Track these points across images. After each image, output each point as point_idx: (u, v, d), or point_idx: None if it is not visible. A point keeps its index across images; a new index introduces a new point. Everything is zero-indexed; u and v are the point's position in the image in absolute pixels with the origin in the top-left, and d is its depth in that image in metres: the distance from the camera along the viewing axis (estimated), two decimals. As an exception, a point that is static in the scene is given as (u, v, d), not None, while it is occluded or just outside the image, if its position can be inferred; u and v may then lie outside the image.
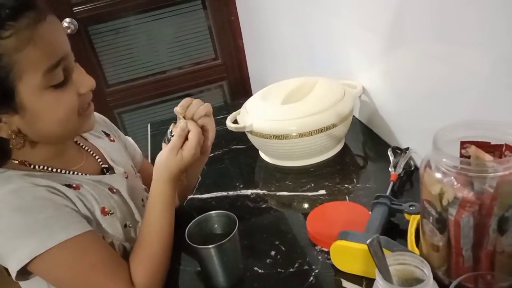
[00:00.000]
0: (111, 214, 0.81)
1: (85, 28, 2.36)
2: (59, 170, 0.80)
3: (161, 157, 0.83)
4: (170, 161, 0.81)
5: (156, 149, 1.39)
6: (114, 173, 0.89)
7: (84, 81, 0.74)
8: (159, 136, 1.48)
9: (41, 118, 0.71)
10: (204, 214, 0.81)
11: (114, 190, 0.85)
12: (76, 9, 2.29)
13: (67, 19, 2.25)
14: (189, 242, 0.74)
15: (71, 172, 0.82)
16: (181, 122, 0.84)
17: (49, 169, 0.79)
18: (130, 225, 0.86)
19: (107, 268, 0.74)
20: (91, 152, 0.90)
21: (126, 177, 0.91)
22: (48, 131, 0.74)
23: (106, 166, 0.89)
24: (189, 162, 0.83)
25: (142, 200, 0.93)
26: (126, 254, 0.81)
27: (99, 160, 0.90)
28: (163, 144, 0.86)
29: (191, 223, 0.78)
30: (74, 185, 0.78)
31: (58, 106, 0.71)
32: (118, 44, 2.49)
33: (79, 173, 0.82)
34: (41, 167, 0.79)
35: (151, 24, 2.51)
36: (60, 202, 0.73)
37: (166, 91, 2.68)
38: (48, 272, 0.73)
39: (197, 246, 0.73)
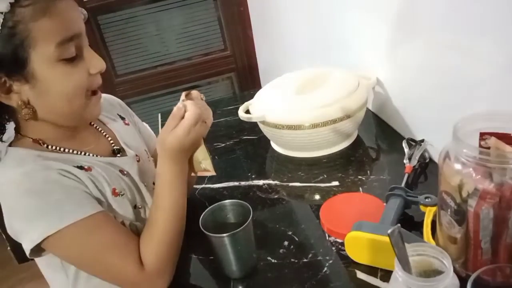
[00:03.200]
0: (121, 195, 0.83)
1: (95, 18, 2.36)
2: (71, 151, 0.82)
3: (157, 138, 0.83)
4: (164, 139, 0.79)
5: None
6: (126, 155, 0.90)
7: (94, 62, 0.76)
8: (170, 126, 1.48)
9: (50, 90, 0.72)
10: (218, 203, 0.80)
11: (125, 172, 0.86)
12: (86, -2, 2.29)
13: (77, 8, 2.24)
14: (203, 230, 0.74)
15: (83, 153, 0.83)
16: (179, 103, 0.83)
17: (61, 149, 0.81)
18: (140, 206, 0.87)
19: (118, 248, 0.75)
20: (105, 134, 0.92)
21: (138, 160, 0.92)
22: (55, 106, 0.75)
23: (118, 148, 0.91)
24: (186, 141, 0.78)
25: (154, 183, 0.93)
26: (137, 234, 0.82)
27: (111, 142, 0.91)
28: None
29: (205, 211, 0.78)
30: (86, 167, 0.80)
31: (67, 80, 0.73)
32: (128, 34, 2.49)
33: (91, 154, 0.84)
34: (54, 147, 0.80)
35: (161, 15, 2.50)
36: (71, 184, 0.75)
37: (174, 82, 2.68)
38: (60, 251, 0.76)
39: (211, 234, 0.73)
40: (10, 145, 0.80)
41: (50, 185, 0.73)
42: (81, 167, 0.79)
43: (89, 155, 0.84)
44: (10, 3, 0.65)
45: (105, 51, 2.47)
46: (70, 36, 0.71)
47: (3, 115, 0.81)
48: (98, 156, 0.85)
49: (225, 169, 1.14)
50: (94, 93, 0.80)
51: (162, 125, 1.50)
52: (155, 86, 2.65)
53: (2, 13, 0.66)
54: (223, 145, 1.26)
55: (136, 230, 0.83)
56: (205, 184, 1.08)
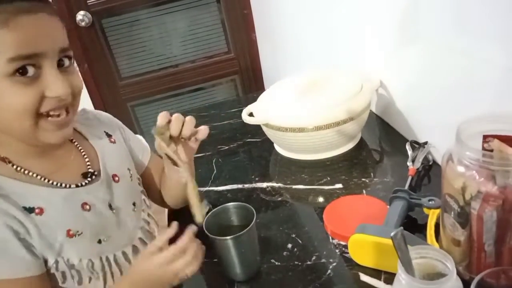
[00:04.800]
0: (78, 235, 0.77)
1: (99, 21, 2.36)
2: (35, 175, 0.77)
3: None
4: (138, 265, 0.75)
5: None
6: (98, 180, 0.84)
7: (55, 86, 0.69)
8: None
9: None
10: (221, 206, 0.81)
11: (88, 206, 0.80)
12: (90, 2, 2.30)
13: (81, 12, 2.26)
14: (207, 233, 0.74)
15: (47, 180, 0.77)
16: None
17: (26, 171, 0.76)
18: (105, 239, 0.81)
19: None
20: (83, 153, 0.86)
21: (117, 181, 0.87)
22: (5, 122, 0.70)
23: (92, 171, 0.85)
24: (155, 273, 0.72)
25: (134, 204, 0.90)
26: (93, 270, 0.79)
27: (88, 163, 0.86)
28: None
29: (208, 214, 0.78)
30: (37, 210, 0.74)
31: (14, 97, 0.67)
32: (132, 37, 2.49)
33: (53, 183, 0.78)
34: (19, 168, 0.75)
35: (164, 18, 2.51)
36: (5, 237, 0.70)
37: (178, 85, 2.68)
38: None
39: (214, 237, 0.73)
40: None
41: None
42: (31, 210, 0.73)
43: (53, 183, 0.78)
44: None
45: (110, 54, 2.47)
46: (27, 54, 0.65)
47: None
48: (63, 187, 0.79)
49: (229, 171, 1.14)
50: (52, 116, 0.72)
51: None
52: (159, 88, 2.66)
53: None
54: (227, 147, 1.26)
55: (92, 267, 0.79)
56: (209, 186, 1.08)
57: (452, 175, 0.62)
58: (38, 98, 0.68)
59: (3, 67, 0.64)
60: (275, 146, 1.20)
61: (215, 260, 0.82)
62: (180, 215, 1.01)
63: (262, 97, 1.19)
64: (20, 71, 0.65)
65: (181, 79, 2.67)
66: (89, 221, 0.79)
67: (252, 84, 2.80)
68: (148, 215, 0.93)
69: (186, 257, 0.71)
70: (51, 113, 0.71)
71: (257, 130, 1.22)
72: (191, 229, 0.72)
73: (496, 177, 0.58)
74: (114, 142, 0.94)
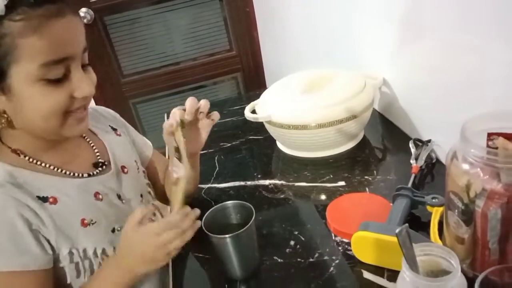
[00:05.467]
0: (92, 223, 0.79)
1: (101, 18, 2.36)
2: (49, 166, 0.78)
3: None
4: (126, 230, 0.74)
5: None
6: (108, 171, 0.86)
7: (82, 86, 0.71)
8: (176, 126, 1.48)
9: (25, 106, 0.69)
10: (220, 204, 0.80)
11: (100, 196, 0.82)
12: (92, -1, 2.30)
13: (83, 9, 2.25)
14: (206, 231, 0.74)
15: (60, 170, 0.79)
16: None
17: (40, 163, 0.77)
18: (119, 228, 0.82)
19: None
20: (93, 145, 0.89)
21: (126, 172, 0.89)
22: (30, 122, 0.72)
23: (102, 161, 0.87)
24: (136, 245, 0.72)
25: (141, 196, 0.91)
26: (105, 259, 0.80)
27: (97, 154, 0.88)
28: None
29: (207, 212, 0.78)
30: (51, 199, 0.75)
31: (44, 100, 0.69)
32: (134, 34, 2.49)
33: (66, 172, 0.80)
34: (32, 159, 0.77)
35: (167, 15, 2.51)
36: (16, 227, 0.71)
37: (180, 82, 2.68)
38: None
39: (213, 235, 0.73)
40: None
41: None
42: (45, 199, 0.74)
43: (66, 172, 0.79)
44: (0, 15, 0.62)
45: (112, 51, 2.47)
46: (58, 58, 0.67)
47: None
48: (75, 176, 0.80)
49: (231, 169, 1.14)
50: (76, 112, 0.75)
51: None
52: (161, 86, 2.66)
53: None
54: (229, 145, 1.26)
55: (105, 255, 0.80)
56: (211, 183, 1.08)
57: (457, 173, 0.62)
58: (67, 99, 0.71)
59: (35, 72, 0.66)
60: (278, 143, 1.20)
61: (213, 258, 0.82)
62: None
63: (265, 95, 1.19)
64: (50, 75, 0.67)
65: (183, 76, 2.67)
66: (102, 211, 0.81)
67: (254, 81, 2.80)
68: (154, 207, 0.94)
69: (175, 229, 0.70)
70: (75, 110, 0.74)
71: (259, 127, 1.22)
72: (193, 211, 0.73)
73: (501, 174, 0.58)
74: (120, 135, 0.97)
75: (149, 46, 2.55)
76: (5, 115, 0.71)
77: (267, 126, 1.14)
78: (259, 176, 1.08)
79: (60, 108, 0.71)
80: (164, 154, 1.14)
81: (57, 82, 0.69)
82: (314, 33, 1.69)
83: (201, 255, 0.86)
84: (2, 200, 0.71)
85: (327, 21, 1.51)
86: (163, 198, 1.03)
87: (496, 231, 0.60)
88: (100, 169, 0.85)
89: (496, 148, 0.60)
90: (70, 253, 0.76)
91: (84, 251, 0.77)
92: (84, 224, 0.78)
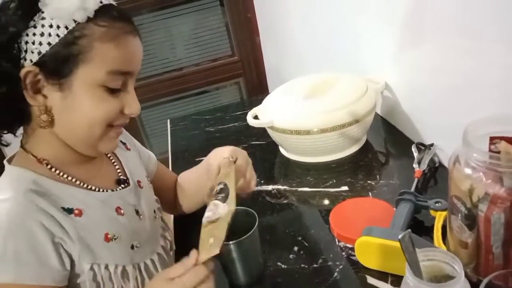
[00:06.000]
0: (115, 239, 0.77)
1: (104, 24, 2.38)
2: (73, 180, 0.77)
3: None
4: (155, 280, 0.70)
5: (176, 145, 1.41)
6: (129, 185, 0.86)
7: (133, 104, 0.75)
8: (179, 132, 1.49)
9: (78, 108, 0.70)
10: None
11: (122, 211, 0.81)
12: (95, 6, 2.31)
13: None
14: None
15: (84, 184, 0.78)
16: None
17: (64, 175, 0.76)
18: (138, 245, 0.81)
19: None
20: (113, 162, 0.89)
21: (142, 188, 0.89)
22: (74, 125, 0.72)
23: (124, 178, 0.87)
24: None
25: (154, 211, 0.90)
26: (125, 279, 0.77)
27: (118, 171, 0.88)
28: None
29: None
30: (76, 211, 0.74)
31: (99, 106, 0.71)
32: (136, 40, 2.50)
33: (90, 187, 0.79)
34: (57, 171, 0.76)
35: (169, 21, 2.52)
36: (38, 238, 0.68)
37: (183, 88, 2.69)
38: None
39: None
40: (9, 161, 0.76)
41: (21, 231, 0.67)
42: (70, 211, 0.73)
43: (89, 188, 0.78)
44: (88, 17, 0.66)
45: (114, 57, 2.49)
46: (124, 70, 0.71)
47: (19, 118, 0.74)
48: (98, 190, 0.79)
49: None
50: (117, 127, 0.77)
51: (171, 131, 1.51)
52: (164, 92, 2.67)
53: (75, 21, 0.66)
54: (232, 150, 1.26)
55: (127, 276, 0.78)
56: (214, 189, 1.08)
57: (459, 177, 0.62)
58: (117, 112, 0.73)
59: (100, 77, 0.69)
60: (280, 148, 1.20)
61: (217, 264, 0.82)
62: (185, 221, 1.02)
63: (267, 100, 1.19)
64: (112, 84, 0.70)
65: (186, 82, 2.68)
66: (123, 225, 0.80)
67: (256, 87, 2.80)
68: (163, 222, 0.94)
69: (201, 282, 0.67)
70: (117, 125, 0.76)
71: (262, 132, 1.22)
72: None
73: (504, 179, 0.58)
74: (130, 150, 0.96)
75: (152, 52, 2.57)
76: (50, 113, 0.71)
77: (269, 131, 1.14)
78: (262, 181, 1.08)
79: (109, 118, 0.73)
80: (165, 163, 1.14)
81: (113, 92, 0.71)
82: (315, 38, 1.70)
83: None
84: (23, 208, 0.68)
85: (329, 26, 1.52)
86: (168, 208, 1.03)
87: (499, 236, 0.60)
88: (122, 185, 0.85)
89: (499, 152, 0.60)
90: (92, 269, 0.73)
91: (106, 267, 0.75)
92: (107, 239, 0.76)
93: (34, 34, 0.66)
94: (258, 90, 2.79)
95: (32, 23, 0.66)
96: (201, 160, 0.96)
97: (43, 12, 0.66)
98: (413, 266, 0.55)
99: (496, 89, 0.78)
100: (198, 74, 2.68)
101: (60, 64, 0.67)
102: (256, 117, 1.15)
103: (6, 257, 0.65)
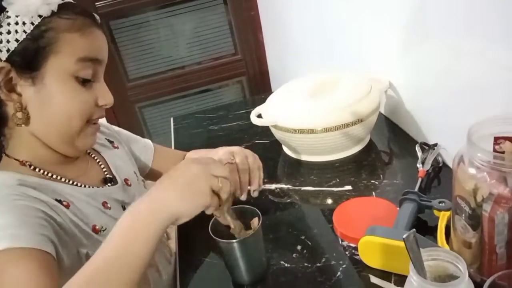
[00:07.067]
0: (103, 230, 0.78)
1: (107, 23, 2.38)
2: (57, 177, 0.77)
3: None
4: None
5: (179, 143, 1.41)
6: (116, 184, 0.86)
7: (105, 95, 0.78)
8: (182, 130, 1.49)
9: (54, 101, 0.72)
10: None
11: (109, 205, 0.82)
12: (98, 4, 2.32)
13: (90, 14, 2.27)
14: (213, 236, 0.74)
15: (68, 181, 0.78)
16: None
17: (48, 174, 0.77)
18: None
19: None
20: (98, 161, 0.89)
21: (129, 185, 0.90)
22: (53, 120, 0.73)
23: (110, 177, 0.88)
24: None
25: None
26: None
27: (104, 169, 0.89)
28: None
29: (214, 217, 0.78)
30: (64, 203, 0.74)
31: (74, 97, 0.73)
32: (139, 39, 2.51)
33: (77, 184, 0.79)
34: (40, 170, 0.76)
35: (172, 19, 2.53)
36: (31, 212, 0.67)
37: (185, 86, 2.70)
38: None
39: (220, 240, 0.73)
40: None
41: (12, 208, 0.66)
42: (59, 201, 0.73)
43: (74, 184, 0.79)
44: (52, 10, 0.69)
45: (117, 55, 2.49)
46: (93, 57, 0.74)
47: None
48: (83, 186, 0.80)
49: (237, 173, 1.14)
50: (94, 123, 0.80)
51: (174, 130, 1.51)
52: (167, 90, 2.67)
53: (41, 16, 0.69)
54: (235, 149, 1.26)
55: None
56: (218, 188, 1.08)
57: (463, 177, 0.62)
58: (92, 105, 0.76)
59: (70, 66, 0.71)
60: (284, 147, 1.20)
61: (221, 263, 0.82)
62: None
63: (270, 99, 1.19)
64: (83, 73, 0.73)
65: (188, 80, 2.68)
66: (110, 218, 0.80)
67: (259, 85, 2.80)
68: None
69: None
70: (94, 120, 0.79)
71: (265, 131, 1.22)
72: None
73: (508, 179, 0.58)
74: (117, 148, 0.97)
75: (155, 50, 2.57)
76: (26, 111, 0.72)
77: (273, 130, 1.14)
78: (265, 180, 1.08)
79: (85, 111, 0.75)
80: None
81: (85, 83, 0.74)
82: (319, 36, 1.69)
83: (208, 260, 0.86)
84: (12, 196, 0.67)
85: (333, 25, 1.52)
86: None
87: (503, 236, 0.60)
88: (109, 184, 0.86)
89: (503, 152, 0.60)
90: (87, 255, 0.73)
91: None
92: (95, 230, 0.77)
93: (0, 33, 0.68)
94: (261, 89, 2.79)
95: None
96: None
97: (7, 11, 0.69)
98: (417, 265, 0.55)
99: (500, 89, 0.78)
100: (201, 72, 2.68)
101: (30, 58, 0.69)
102: (259, 116, 1.15)
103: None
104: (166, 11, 2.49)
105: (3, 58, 0.69)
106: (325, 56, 1.70)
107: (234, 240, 0.72)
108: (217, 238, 0.73)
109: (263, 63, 2.75)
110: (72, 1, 0.76)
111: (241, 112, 1.52)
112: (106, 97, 0.78)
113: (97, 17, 0.78)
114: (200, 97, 2.79)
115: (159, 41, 2.56)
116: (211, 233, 0.74)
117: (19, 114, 0.72)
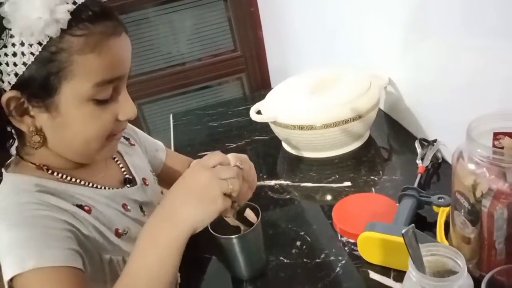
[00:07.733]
0: (125, 234, 0.76)
1: (106, 19, 2.37)
2: (76, 180, 0.74)
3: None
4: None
5: (179, 140, 1.41)
6: (136, 184, 0.84)
7: (127, 109, 0.69)
8: (182, 127, 1.49)
9: (70, 127, 0.66)
10: None
11: (128, 207, 0.80)
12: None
13: (89, 10, 2.27)
14: (212, 232, 0.74)
15: (88, 184, 0.75)
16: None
17: (66, 177, 0.73)
18: None
19: None
20: (117, 160, 0.86)
21: (147, 185, 0.87)
22: (68, 143, 0.69)
23: (130, 177, 0.85)
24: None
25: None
26: None
27: (123, 169, 0.85)
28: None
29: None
30: (86, 208, 0.71)
31: (91, 122, 0.66)
32: (139, 35, 2.50)
33: (96, 186, 0.76)
34: (58, 174, 0.72)
35: (171, 16, 2.52)
36: (53, 225, 0.65)
37: (185, 83, 2.69)
38: None
39: (219, 236, 0.73)
40: (6, 169, 0.72)
41: (37, 220, 0.64)
42: (80, 207, 0.71)
43: (93, 186, 0.76)
44: (61, 28, 0.59)
45: (117, 52, 2.48)
46: (112, 78, 0.65)
47: (9, 136, 0.71)
48: (102, 188, 0.77)
49: (237, 169, 1.14)
50: (115, 135, 0.73)
51: (174, 126, 1.51)
52: (167, 87, 2.67)
53: (48, 36, 0.59)
54: (235, 145, 1.27)
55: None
56: (217, 184, 1.08)
57: (463, 173, 0.62)
58: (112, 122, 0.69)
59: (87, 92, 0.63)
60: (283, 144, 1.20)
61: (220, 258, 0.82)
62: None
63: (270, 95, 1.19)
64: (101, 95, 0.65)
65: (188, 77, 2.68)
66: (131, 221, 0.78)
67: (259, 82, 2.80)
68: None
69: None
70: (115, 134, 0.72)
71: (265, 128, 1.22)
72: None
73: (507, 174, 0.58)
74: (134, 145, 0.94)
75: (154, 46, 2.57)
76: (41, 133, 0.66)
77: (272, 126, 1.14)
78: (264, 176, 1.08)
79: (105, 132, 0.69)
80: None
81: (104, 103, 0.66)
82: (319, 33, 1.69)
83: (207, 255, 0.86)
84: (33, 205, 0.65)
85: (333, 21, 1.51)
86: None
87: (502, 231, 0.60)
88: (128, 185, 0.83)
89: (502, 147, 0.60)
90: (111, 261, 0.72)
91: (123, 260, 0.73)
92: (118, 233, 0.75)
93: (6, 55, 0.60)
94: (261, 86, 2.78)
95: (0, 42, 0.60)
96: (204, 155, 0.96)
97: (10, 29, 0.59)
98: (416, 261, 0.55)
99: (500, 85, 0.78)
100: (200, 69, 2.68)
101: (40, 85, 0.61)
102: (259, 112, 1.15)
103: (23, 244, 0.62)
104: (165, 7, 2.49)
105: (12, 82, 0.61)
106: (325, 53, 1.70)
107: (233, 236, 0.72)
108: (217, 234, 0.73)
109: (263, 59, 2.74)
110: None
111: (240, 108, 1.52)
112: (127, 111, 0.69)
113: (117, 16, 0.67)
114: (199, 93, 2.78)
115: (159, 38, 2.55)
116: (210, 229, 0.74)
117: (35, 138, 0.66)
